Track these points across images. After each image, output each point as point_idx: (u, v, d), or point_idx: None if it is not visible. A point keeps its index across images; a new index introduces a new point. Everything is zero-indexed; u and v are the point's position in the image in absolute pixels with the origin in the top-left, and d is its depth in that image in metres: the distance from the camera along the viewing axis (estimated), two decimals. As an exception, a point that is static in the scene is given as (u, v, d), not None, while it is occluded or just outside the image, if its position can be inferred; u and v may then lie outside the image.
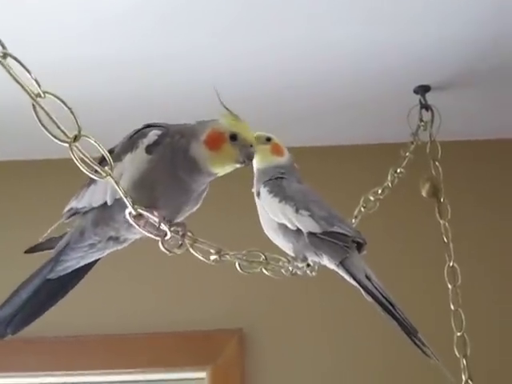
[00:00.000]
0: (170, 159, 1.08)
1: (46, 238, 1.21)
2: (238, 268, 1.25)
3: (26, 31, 1.80)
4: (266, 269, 1.34)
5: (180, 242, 1.09)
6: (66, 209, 1.18)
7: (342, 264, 1.35)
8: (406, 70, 2.12)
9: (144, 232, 1.02)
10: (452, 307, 1.90)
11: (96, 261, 1.22)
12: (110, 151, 1.09)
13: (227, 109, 1.15)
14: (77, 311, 2.32)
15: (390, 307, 1.29)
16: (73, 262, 1.17)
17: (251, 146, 1.13)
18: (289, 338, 2.38)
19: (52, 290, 1.17)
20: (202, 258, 1.15)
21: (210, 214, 2.25)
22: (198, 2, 1.76)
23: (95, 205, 1.11)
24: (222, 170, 1.12)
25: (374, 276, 1.35)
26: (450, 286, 1.91)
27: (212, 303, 2.40)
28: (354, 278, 1.34)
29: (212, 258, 1.17)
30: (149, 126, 1.14)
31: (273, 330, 2.38)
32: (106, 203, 1.09)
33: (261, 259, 1.32)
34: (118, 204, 1.00)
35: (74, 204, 1.17)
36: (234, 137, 1.10)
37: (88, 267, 1.22)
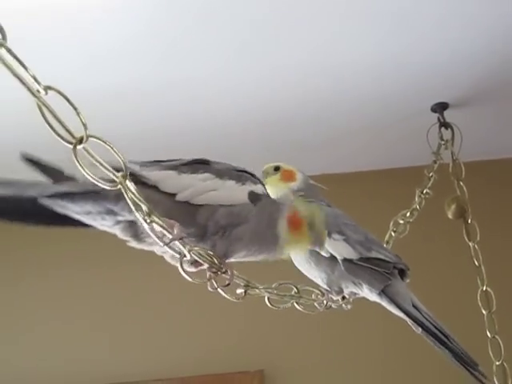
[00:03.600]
0: (264, 218, 1.02)
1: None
2: (268, 303, 1.10)
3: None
4: (297, 303, 1.18)
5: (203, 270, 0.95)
6: None
7: (384, 293, 1.21)
8: (421, 88, 2.04)
9: (159, 243, 0.84)
10: (489, 335, 1.77)
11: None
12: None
13: None
14: (79, 361, 2.25)
15: (445, 338, 1.15)
16: (69, 211, 0.95)
17: (323, 233, 1.10)
18: (310, 380, 2.29)
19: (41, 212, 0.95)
20: (224, 295, 1.00)
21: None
22: (203, 29, 1.70)
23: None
24: (291, 253, 1.15)
25: (422, 305, 1.21)
26: (484, 312, 1.79)
27: (232, 345, 2.31)
28: (400, 308, 1.19)
29: (238, 291, 1.03)
30: (249, 173, 1.08)
31: (294, 372, 2.29)
32: None
33: (293, 292, 1.17)
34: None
35: None
36: (312, 225, 1.07)
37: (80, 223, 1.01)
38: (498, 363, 1.74)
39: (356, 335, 2.31)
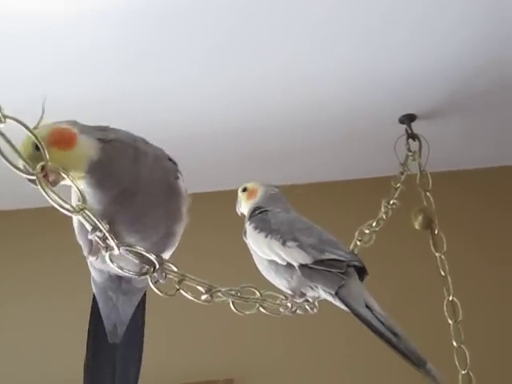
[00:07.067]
0: None
1: None
2: (233, 307, 1.10)
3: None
4: (262, 307, 1.19)
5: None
6: None
7: (337, 294, 1.21)
8: (389, 100, 2.07)
9: (126, 274, 0.88)
10: (455, 344, 1.79)
11: (143, 310, 1.14)
12: None
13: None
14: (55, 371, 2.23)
15: (394, 339, 1.14)
16: (113, 314, 1.09)
17: None
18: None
19: (128, 354, 1.11)
20: (191, 298, 1.00)
21: (199, 253, 2.23)
22: (178, 34, 1.69)
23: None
24: None
25: (376, 305, 1.19)
26: (450, 322, 1.81)
27: (201, 354, 2.31)
28: (350, 309, 1.19)
29: (203, 297, 1.02)
30: None
31: (264, 380, 2.30)
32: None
33: (256, 296, 1.17)
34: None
35: None
36: None
37: (138, 320, 1.14)
38: (463, 372, 1.76)
39: (326, 343, 2.32)
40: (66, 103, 1.89)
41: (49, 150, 0.77)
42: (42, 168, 0.67)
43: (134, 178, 0.92)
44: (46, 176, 0.74)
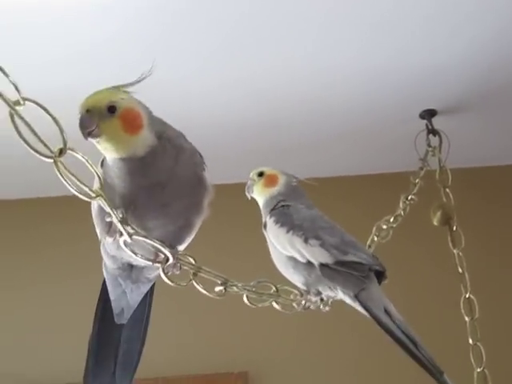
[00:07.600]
0: None
1: None
2: (246, 301, 1.10)
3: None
4: (276, 302, 1.19)
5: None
6: None
7: (357, 297, 1.20)
8: (410, 94, 2.05)
9: (139, 259, 0.89)
10: (471, 341, 1.78)
11: (151, 294, 1.14)
12: None
13: None
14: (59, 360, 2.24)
15: (412, 346, 1.13)
16: (123, 301, 1.09)
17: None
18: (294, 382, 2.30)
19: (132, 334, 1.12)
20: (202, 290, 0.99)
21: (216, 245, 2.24)
22: (183, 29, 1.69)
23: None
24: None
25: (394, 310, 1.19)
26: (467, 319, 1.80)
27: (216, 346, 2.31)
28: (370, 313, 1.18)
29: (217, 289, 1.02)
30: None
31: (278, 374, 2.30)
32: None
33: (271, 291, 1.17)
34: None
35: None
36: None
37: (146, 303, 1.14)
38: (479, 370, 1.75)
39: (339, 338, 2.32)
40: (71, 95, 1.91)
41: (113, 119, 0.83)
42: (61, 151, 0.67)
43: (169, 175, 0.93)
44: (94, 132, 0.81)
